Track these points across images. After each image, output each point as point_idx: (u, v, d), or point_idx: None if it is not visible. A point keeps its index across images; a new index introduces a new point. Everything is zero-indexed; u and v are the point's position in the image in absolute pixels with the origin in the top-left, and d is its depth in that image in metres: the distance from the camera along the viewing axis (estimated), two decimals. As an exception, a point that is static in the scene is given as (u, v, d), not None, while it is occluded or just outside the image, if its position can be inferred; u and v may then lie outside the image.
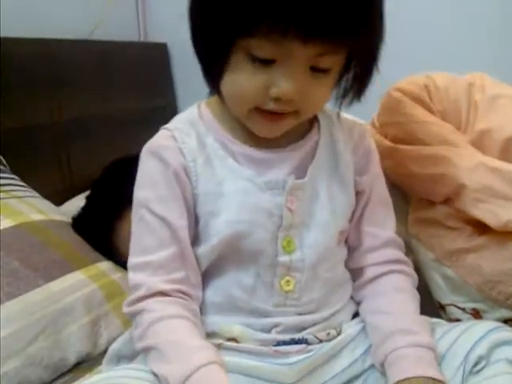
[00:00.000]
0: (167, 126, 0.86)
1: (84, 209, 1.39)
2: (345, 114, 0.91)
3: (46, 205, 1.39)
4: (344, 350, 0.86)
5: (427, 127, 1.09)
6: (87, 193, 1.45)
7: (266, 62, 0.74)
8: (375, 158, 0.93)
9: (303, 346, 0.83)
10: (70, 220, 1.37)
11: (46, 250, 1.20)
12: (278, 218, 0.83)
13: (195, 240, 0.84)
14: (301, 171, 0.85)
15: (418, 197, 1.14)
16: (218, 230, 0.81)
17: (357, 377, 0.86)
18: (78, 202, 1.46)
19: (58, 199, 1.51)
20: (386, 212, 0.93)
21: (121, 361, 0.91)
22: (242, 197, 0.82)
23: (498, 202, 1.00)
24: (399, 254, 0.93)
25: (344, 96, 0.82)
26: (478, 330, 0.84)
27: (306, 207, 0.84)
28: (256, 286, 0.83)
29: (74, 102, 1.72)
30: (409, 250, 1.05)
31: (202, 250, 0.83)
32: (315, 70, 0.76)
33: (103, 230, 1.31)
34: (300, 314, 0.84)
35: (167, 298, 0.80)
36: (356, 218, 0.91)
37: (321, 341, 0.85)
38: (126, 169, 1.35)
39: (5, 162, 1.47)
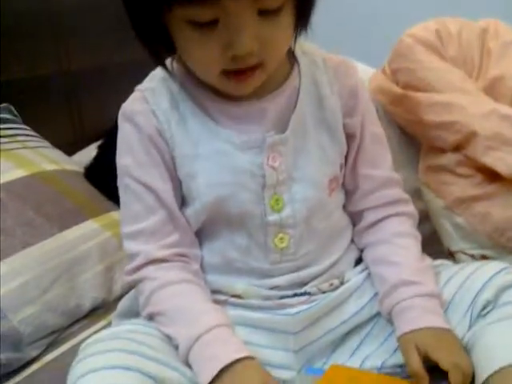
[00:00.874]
0: (139, 86, 0.84)
1: (96, 158, 1.39)
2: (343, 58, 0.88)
3: (58, 155, 1.40)
4: (350, 299, 0.86)
5: (439, 74, 1.08)
6: (99, 142, 1.45)
7: (211, 24, 0.71)
8: (364, 96, 0.88)
9: (306, 297, 0.84)
10: (82, 170, 1.38)
11: (59, 199, 1.22)
12: (260, 178, 0.80)
13: (182, 202, 0.83)
14: (282, 124, 0.82)
15: (429, 144, 1.13)
16: (200, 193, 0.80)
17: (364, 324, 0.87)
18: (89, 152, 1.46)
19: (70, 149, 1.52)
20: (380, 151, 0.90)
21: (131, 316, 0.92)
22: (220, 158, 0.80)
23: (509, 150, 0.99)
24: (398, 193, 0.91)
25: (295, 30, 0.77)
26: (485, 272, 0.84)
27: (291, 161, 0.82)
28: (250, 247, 0.82)
29: (83, 50, 1.71)
30: (418, 198, 1.06)
31: (189, 212, 0.82)
32: (264, 12, 0.72)
33: (115, 180, 1.31)
34: (299, 269, 0.84)
35: (166, 264, 0.80)
36: (350, 162, 0.88)
37: (324, 292, 0.85)
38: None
39: (16, 112, 1.47)
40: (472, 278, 0.84)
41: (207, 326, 0.74)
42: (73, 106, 1.68)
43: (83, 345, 0.75)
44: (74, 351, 0.96)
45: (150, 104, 0.80)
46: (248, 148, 0.80)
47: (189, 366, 0.74)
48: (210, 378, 0.70)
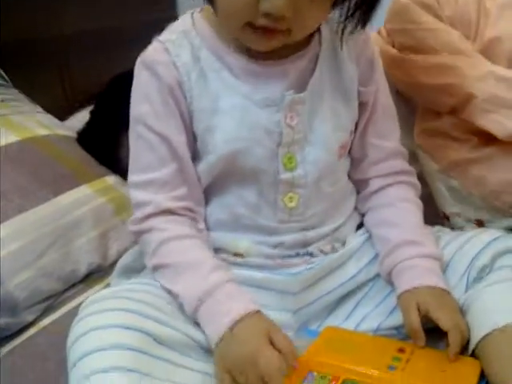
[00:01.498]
0: (160, 37, 0.83)
1: (89, 123, 1.39)
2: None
3: (50, 120, 1.39)
4: (349, 261, 0.88)
5: (435, 34, 1.06)
6: (91, 108, 1.44)
7: None
8: (379, 67, 0.90)
9: (307, 257, 0.85)
10: (74, 135, 1.37)
11: (52, 164, 1.21)
12: (277, 136, 0.81)
13: (195, 157, 0.83)
14: (301, 85, 0.82)
15: (425, 107, 1.12)
16: (216, 147, 0.80)
17: (362, 285, 0.88)
18: (82, 117, 1.45)
19: (62, 115, 1.50)
20: (390, 122, 0.92)
21: (130, 274, 0.93)
22: (238, 114, 0.80)
23: (506, 112, 0.99)
24: (404, 165, 0.93)
25: (346, 20, 0.78)
26: (483, 238, 0.85)
27: (307, 122, 0.82)
28: (260, 204, 0.83)
29: (75, 15, 1.68)
30: (414, 161, 1.06)
31: (202, 166, 0.83)
32: None
33: (109, 144, 1.31)
34: (304, 230, 0.85)
35: (175, 217, 0.80)
36: (360, 130, 0.90)
37: (326, 253, 0.86)
38: (130, 82, 1.36)
39: (6, 77, 1.45)
40: (470, 243, 0.85)
41: (217, 282, 0.75)
42: (64, 71, 1.66)
43: (83, 304, 0.75)
44: (70, 315, 0.97)
45: (172, 55, 0.79)
46: (267, 105, 0.80)
47: (192, 323, 0.75)
48: (222, 332, 0.71)
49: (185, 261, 0.78)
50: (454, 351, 0.75)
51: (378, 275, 0.88)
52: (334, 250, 0.87)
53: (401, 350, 0.79)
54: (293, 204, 0.83)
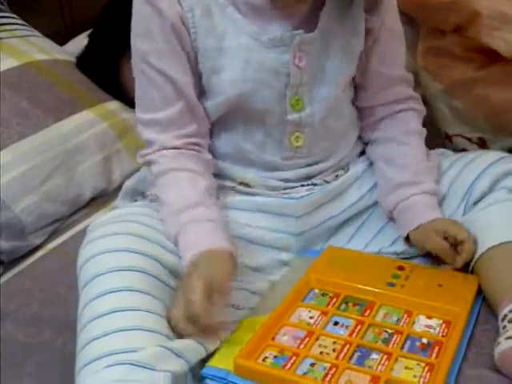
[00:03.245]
0: None
1: (87, 47, 1.36)
2: None
3: (49, 44, 1.37)
4: (351, 188, 0.88)
5: None
6: (90, 31, 1.41)
7: None
8: None
9: (311, 187, 0.85)
10: (74, 59, 1.35)
11: (53, 89, 1.20)
12: (285, 77, 0.79)
13: (201, 95, 0.81)
14: (310, 24, 0.78)
15: (429, 26, 1.10)
16: (222, 88, 0.78)
17: (363, 212, 0.89)
18: (81, 41, 1.42)
19: (61, 39, 1.47)
20: (396, 47, 0.89)
21: (135, 196, 0.94)
22: (245, 54, 0.77)
23: (511, 29, 0.97)
24: (409, 91, 0.91)
25: None
26: (482, 161, 0.86)
27: (317, 62, 0.80)
28: (266, 142, 0.83)
29: None
30: (417, 83, 1.04)
31: (208, 105, 0.81)
32: None
33: (108, 69, 1.29)
34: (309, 165, 0.85)
35: (179, 151, 0.79)
36: (364, 57, 0.86)
37: (329, 182, 0.87)
38: (128, 5, 1.32)
39: (4, 1, 1.42)
40: (469, 165, 0.86)
41: (193, 218, 0.75)
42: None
43: (91, 226, 0.76)
44: (76, 238, 1.00)
45: None
46: (274, 46, 0.77)
47: None
48: (185, 265, 0.71)
49: (171, 194, 0.78)
50: (463, 259, 0.78)
51: (377, 202, 0.89)
52: (336, 178, 0.87)
53: (400, 268, 0.81)
54: (299, 143, 0.83)
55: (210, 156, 0.82)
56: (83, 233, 0.76)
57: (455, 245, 0.79)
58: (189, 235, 0.73)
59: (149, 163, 0.81)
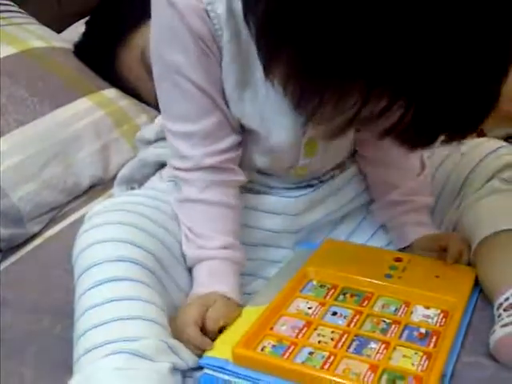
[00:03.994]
0: None
1: (85, 35, 1.35)
2: None
3: (47, 31, 1.36)
4: (348, 185, 0.88)
5: None
6: (87, 18, 1.40)
7: None
8: None
9: (307, 187, 0.85)
10: (71, 47, 1.35)
11: (50, 77, 1.20)
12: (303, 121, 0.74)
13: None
14: None
15: None
16: (242, 117, 0.75)
17: (362, 208, 0.89)
18: (78, 29, 1.42)
19: (58, 26, 1.47)
20: None
21: (132, 184, 0.94)
22: (266, 92, 0.71)
23: None
24: None
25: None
26: (478, 153, 0.86)
27: None
28: (272, 168, 0.82)
29: None
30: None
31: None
32: None
33: (106, 56, 1.29)
34: (310, 180, 0.86)
35: (212, 178, 0.76)
36: None
37: (324, 182, 0.87)
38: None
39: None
40: (466, 158, 0.86)
41: (214, 255, 0.75)
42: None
43: (88, 214, 0.75)
44: (74, 226, 0.99)
45: (204, 3, 0.68)
46: None
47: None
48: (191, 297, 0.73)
49: (198, 226, 0.76)
50: (452, 256, 0.79)
51: None
52: (332, 177, 0.87)
53: (398, 260, 0.81)
54: (303, 172, 0.82)
55: (242, 176, 0.79)
56: (81, 221, 0.76)
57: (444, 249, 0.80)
58: (203, 274, 0.74)
59: (180, 179, 0.78)
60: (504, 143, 0.90)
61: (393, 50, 0.48)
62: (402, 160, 0.84)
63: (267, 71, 0.58)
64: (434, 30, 0.48)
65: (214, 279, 0.73)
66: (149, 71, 0.74)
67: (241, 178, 0.79)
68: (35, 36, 1.28)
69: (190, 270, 0.76)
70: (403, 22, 0.48)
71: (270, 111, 0.74)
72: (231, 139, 0.76)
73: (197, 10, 0.67)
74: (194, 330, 0.68)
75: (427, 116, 0.53)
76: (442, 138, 0.55)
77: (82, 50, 1.33)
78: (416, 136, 0.55)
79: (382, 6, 0.47)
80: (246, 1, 0.58)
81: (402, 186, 0.85)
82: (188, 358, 0.66)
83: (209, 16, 0.68)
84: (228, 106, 0.74)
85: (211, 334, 0.69)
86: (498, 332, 0.67)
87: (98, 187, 1.15)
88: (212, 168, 0.75)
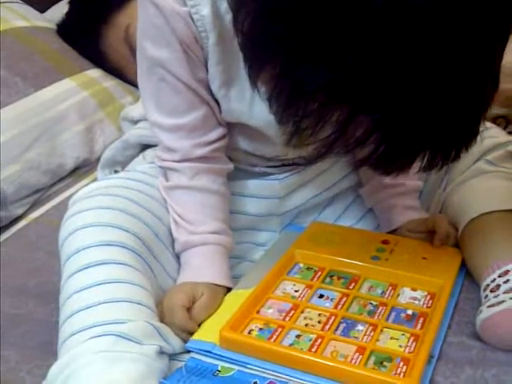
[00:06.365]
0: None
1: (68, 14, 1.33)
2: None
3: (29, 11, 1.34)
4: (334, 166, 0.87)
5: None
6: (71, -3, 1.38)
7: None
8: None
9: (293, 167, 0.84)
10: (54, 27, 1.33)
11: (33, 57, 1.18)
12: None
13: None
14: None
15: None
16: (228, 114, 0.74)
17: (350, 189, 0.89)
18: (61, 8, 1.40)
19: (41, 5, 1.44)
20: None
21: (115, 167, 0.93)
22: (252, 95, 0.70)
23: None
24: None
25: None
26: None
27: None
28: (257, 151, 0.81)
29: None
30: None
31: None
32: None
33: (90, 36, 1.27)
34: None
35: (200, 166, 0.75)
36: None
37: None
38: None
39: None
40: None
41: (205, 239, 0.74)
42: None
43: (72, 199, 0.74)
44: (58, 208, 0.99)
45: (188, 6, 0.66)
46: None
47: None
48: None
49: (189, 212, 0.75)
50: (439, 237, 0.79)
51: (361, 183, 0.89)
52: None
53: (385, 242, 0.81)
54: (289, 157, 0.81)
55: (229, 164, 0.79)
56: (66, 203, 0.75)
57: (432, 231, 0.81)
58: (195, 259, 0.74)
59: (168, 169, 0.77)
60: (490, 125, 0.89)
61: (377, 74, 0.49)
62: None
63: (253, 82, 0.58)
64: (416, 62, 0.48)
65: (205, 264, 0.73)
66: (133, 51, 0.72)
67: (228, 165, 0.79)
68: (18, 15, 1.26)
69: (177, 256, 0.76)
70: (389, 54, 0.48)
71: (258, 109, 0.73)
72: (218, 131, 0.76)
73: (181, 13, 0.66)
74: (182, 312, 0.68)
75: (400, 149, 0.53)
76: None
77: (66, 30, 1.31)
78: (389, 165, 0.55)
79: (368, 33, 0.47)
80: (235, 13, 0.56)
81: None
82: (175, 343, 0.66)
83: (193, 19, 0.67)
84: (216, 101, 0.74)
85: (196, 322, 0.69)
86: (485, 312, 0.68)
87: (83, 169, 1.13)
88: (200, 158, 0.75)
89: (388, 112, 0.50)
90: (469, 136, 0.55)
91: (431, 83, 0.49)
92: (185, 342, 0.67)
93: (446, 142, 0.54)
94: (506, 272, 0.69)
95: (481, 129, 0.85)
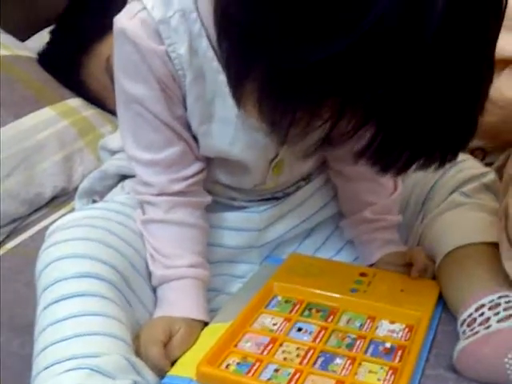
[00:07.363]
0: (149, 7, 0.65)
1: (49, 44, 1.34)
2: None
3: (10, 40, 1.34)
4: (313, 197, 0.87)
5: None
6: (52, 27, 1.39)
7: None
8: None
9: (273, 200, 0.85)
10: (35, 56, 1.33)
11: (13, 86, 1.18)
12: (274, 152, 0.76)
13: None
14: None
15: None
16: (209, 150, 0.75)
17: (327, 221, 0.89)
18: (43, 38, 1.40)
19: (22, 35, 1.44)
20: None
21: (93, 196, 0.92)
22: (232, 132, 0.72)
23: None
24: None
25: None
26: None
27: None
28: (238, 186, 0.82)
29: None
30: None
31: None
32: None
33: (70, 66, 1.27)
34: (274, 193, 0.85)
35: (176, 199, 0.75)
36: None
37: (290, 194, 0.86)
38: (91, 2, 1.30)
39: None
40: (427, 174, 0.85)
41: (180, 274, 0.74)
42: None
43: (49, 230, 0.74)
44: (35, 239, 0.98)
45: (165, 44, 0.66)
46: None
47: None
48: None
49: (168, 251, 0.75)
50: (416, 269, 0.79)
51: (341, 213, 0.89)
52: (298, 189, 0.86)
53: (363, 274, 0.81)
54: (268, 187, 0.82)
55: (207, 197, 0.79)
56: (42, 233, 0.75)
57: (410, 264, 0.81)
58: (171, 293, 0.73)
59: (145, 202, 0.76)
60: (467, 156, 0.90)
61: (365, 69, 0.48)
62: (378, 177, 0.83)
63: (238, 97, 0.58)
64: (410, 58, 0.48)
65: (182, 298, 0.73)
66: (114, 80, 0.73)
67: (206, 198, 0.79)
68: (-2, 44, 1.26)
69: (154, 289, 0.75)
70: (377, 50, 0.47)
71: (239, 145, 0.73)
72: (196, 166, 0.76)
73: (158, 52, 0.66)
74: (157, 348, 0.67)
75: (396, 140, 0.52)
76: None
77: (47, 59, 1.31)
78: (387, 159, 0.54)
79: (359, 27, 0.47)
80: (219, 23, 0.57)
81: (375, 204, 0.84)
82: (150, 378, 0.65)
83: (170, 57, 0.67)
84: (195, 138, 0.74)
85: (171, 359, 0.68)
86: (461, 343, 0.68)
87: (61, 198, 1.13)
88: (177, 192, 0.75)
89: (384, 97, 0.49)
90: (466, 129, 0.54)
91: (427, 72, 0.49)
92: (161, 377, 0.66)
93: (445, 134, 0.53)
94: (482, 306, 0.69)
95: (458, 160, 0.86)
